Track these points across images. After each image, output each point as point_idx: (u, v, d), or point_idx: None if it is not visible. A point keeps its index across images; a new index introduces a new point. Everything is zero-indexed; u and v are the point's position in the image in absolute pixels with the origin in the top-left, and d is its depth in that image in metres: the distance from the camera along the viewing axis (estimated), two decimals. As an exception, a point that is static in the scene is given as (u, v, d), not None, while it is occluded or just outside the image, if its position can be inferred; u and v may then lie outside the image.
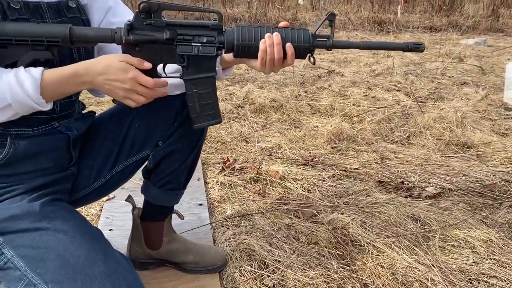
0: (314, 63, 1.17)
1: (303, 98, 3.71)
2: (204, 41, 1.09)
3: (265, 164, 2.30)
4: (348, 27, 9.74)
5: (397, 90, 3.96)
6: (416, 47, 1.17)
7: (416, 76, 4.43)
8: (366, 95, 3.78)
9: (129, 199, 1.47)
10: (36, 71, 0.96)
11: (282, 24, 1.14)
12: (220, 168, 2.30)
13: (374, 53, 5.99)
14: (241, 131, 2.95)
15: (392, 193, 2.07)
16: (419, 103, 3.40)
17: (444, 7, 10.98)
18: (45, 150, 1.11)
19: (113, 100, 1.09)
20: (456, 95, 3.81)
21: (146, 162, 1.36)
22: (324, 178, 2.17)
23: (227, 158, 2.38)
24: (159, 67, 1.10)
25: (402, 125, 3.05)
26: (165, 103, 1.23)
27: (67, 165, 1.19)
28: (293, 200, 1.96)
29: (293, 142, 2.70)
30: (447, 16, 10.60)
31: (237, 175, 2.23)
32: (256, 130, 2.99)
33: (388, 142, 2.76)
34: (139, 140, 1.28)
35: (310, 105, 3.50)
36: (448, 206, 1.92)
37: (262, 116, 3.29)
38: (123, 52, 1.06)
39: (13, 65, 0.98)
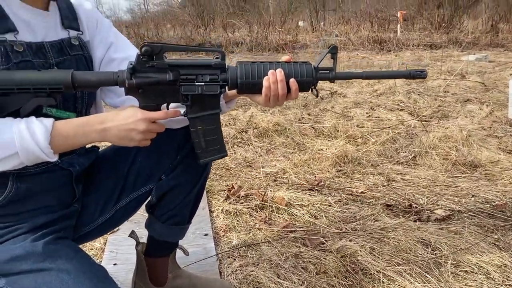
0: (317, 96, 1.18)
1: (306, 120, 3.70)
2: (208, 80, 1.08)
3: (270, 191, 2.28)
4: (348, 47, 9.81)
5: (401, 110, 3.95)
6: (419, 74, 1.16)
7: (419, 94, 4.43)
8: (370, 115, 3.76)
9: (133, 234, 1.45)
10: (48, 121, 0.95)
11: (284, 58, 1.14)
12: (225, 196, 2.28)
13: (376, 73, 6.02)
14: (246, 157, 2.93)
15: (401, 217, 2.03)
16: (423, 122, 3.38)
17: (444, 24, 11.07)
18: (48, 188, 1.09)
19: None
20: (460, 113, 3.79)
21: (151, 197, 1.35)
22: (331, 203, 2.14)
23: (232, 185, 2.36)
24: (163, 106, 1.09)
25: (407, 145, 3.03)
26: (167, 137, 1.20)
27: (71, 202, 1.17)
28: (300, 228, 1.92)
29: (298, 166, 2.67)
30: (446, 33, 10.68)
31: (242, 203, 2.20)
32: (261, 155, 2.98)
33: (394, 164, 2.73)
34: (142, 175, 1.27)
35: (313, 128, 3.49)
36: (459, 229, 1.88)
37: (266, 140, 3.28)
38: (126, 93, 1.05)
39: (15, 112, 0.98)
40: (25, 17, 1.03)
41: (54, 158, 0.97)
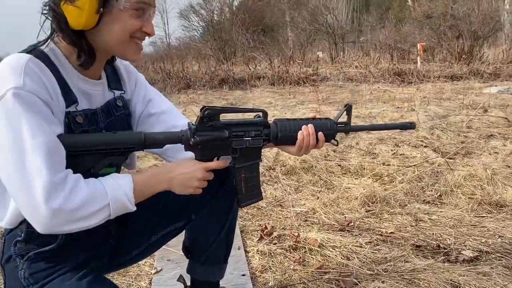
0: (337, 145, 1.42)
1: (332, 158, 3.82)
2: (253, 135, 1.28)
3: (302, 231, 2.39)
4: (369, 79, 9.95)
5: (425, 146, 4.03)
6: (408, 126, 1.48)
7: (442, 130, 4.51)
8: (394, 152, 3.86)
9: (180, 279, 1.57)
10: (127, 175, 1.10)
11: (311, 115, 1.38)
12: (259, 236, 2.39)
13: (398, 107, 6.12)
14: (275, 195, 3.05)
15: (430, 257, 2.11)
16: (447, 160, 3.46)
17: (464, 56, 11.14)
18: (88, 231, 1.18)
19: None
20: (484, 149, 3.85)
21: (184, 239, 1.50)
22: (362, 244, 2.23)
23: (265, 225, 2.47)
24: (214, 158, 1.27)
25: (433, 183, 3.11)
26: None
27: (107, 238, 1.30)
28: (333, 269, 2.02)
29: (327, 206, 2.78)
30: (467, 64, 10.73)
31: (276, 243, 2.31)
32: (290, 193, 3.09)
33: (421, 203, 2.81)
34: (172, 213, 1.40)
35: (340, 165, 3.60)
36: (487, 271, 1.95)
37: (294, 178, 3.40)
38: (186, 149, 1.21)
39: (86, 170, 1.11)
40: (84, 88, 1.15)
41: (135, 208, 1.10)
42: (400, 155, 3.80)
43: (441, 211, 2.66)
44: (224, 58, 16.65)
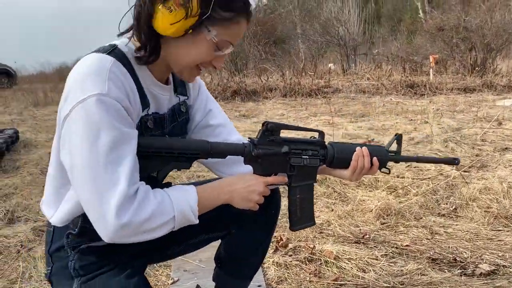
0: (389, 173, 1.41)
1: (346, 170, 3.82)
2: (311, 154, 1.29)
3: (317, 243, 2.39)
4: (381, 92, 9.95)
5: (439, 159, 4.02)
6: (453, 161, 1.53)
7: (456, 143, 4.50)
8: (409, 165, 3.85)
9: (197, 289, 1.59)
10: (191, 187, 1.11)
11: (362, 141, 1.36)
12: (274, 247, 2.41)
13: (411, 120, 6.11)
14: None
15: (446, 271, 2.10)
16: (462, 173, 3.45)
17: (477, 68, 11.09)
18: None
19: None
20: (499, 162, 3.83)
21: (219, 249, 1.51)
22: (377, 256, 2.23)
23: (280, 237, 2.49)
24: None
25: (448, 196, 3.10)
26: None
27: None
28: (349, 281, 2.03)
29: (342, 218, 2.79)
30: (480, 77, 10.68)
31: (291, 255, 2.32)
32: (304, 206, 3.10)
33: (436, 216, 2.80)
34: (216, 222, 1.39)
35: (353, 178, 3.60)
36: (504, 285, 1.94)
37: (308, 190, 3.40)
38: (246, 163, 1.23)
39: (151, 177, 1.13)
40: (154, 92, 1.16)
41: (197, 221, 1.11)
42: (414, 167, 3.79)
43: (456, 224, 2.65)
44: (236, 70, 16.74)
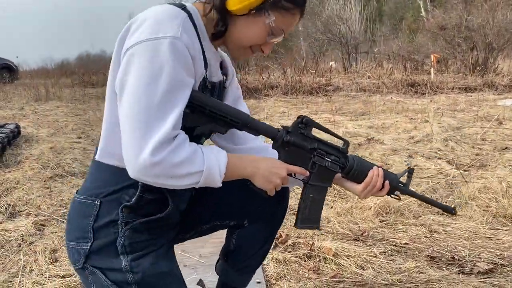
0: (399, 199, 1.47)
1: (345, 168, 3.83)
2: (333, 158, 1.33)
3: (316, 240, 2.41)
4: (382, 90, 9.95)
5: (439, 158, 4.03)
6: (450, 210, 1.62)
7: (456, 142, 4.51)
8: (408, 163, 3.86)
9: (200, 283, 1.60)
10: (224, 152, 1.14)
11: (379, 164, 1.43)
12: (274, 244, 2.42)
13: (412, 118, 6.12)
14: (290, 204, 3.06)
15: (444, 269, 2.12)
16: (461, 172, 3.46)
17: (478, 67, 11.09)
18: (178, 207, 1.26)
19: (253, 185, 1.23)
20: (499, 162, 3.84)
21: (228, 243, 1.51)
22: (376, 254, 2.25)
23: (280, 233, 2.50)
24: None
25: (447, 195, 3.11)
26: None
27: (181, 217, 1.32)
28: (347, 278, 2.04)
29: (341, 215, 2.80)
30: (481, 76, 10.68)
31: (290, 251, 2.33)
32: (303, 203, 3.11)
33: (435, 214, 2.82)
34: (230, 210, 1.43)
35: (353, 176, 3.61)
36: (502, 283, 1.95)
37: (308, 188, 3.42)
38: (274, 147, 1.28)
39: (190, 128, 1.15)
40: (209, 56, 1.20)
41: (221, 184, 1.13)
42: (414, 166, 3.80)
43: (455, 223, 2.66)
44: (238, 67, 16.75)
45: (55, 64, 23.54)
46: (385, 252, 2.28)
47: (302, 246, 2.35)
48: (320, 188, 1.34)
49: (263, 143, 1.46)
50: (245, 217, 1.44)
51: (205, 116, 1.16)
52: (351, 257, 2.20)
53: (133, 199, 1.14)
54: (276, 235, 2.46)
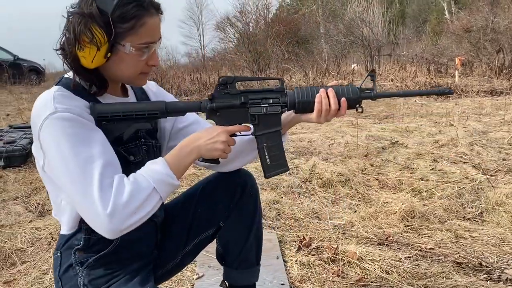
0: (362, 112, 1.37)
1: (369, 171, 3.81)
2: (271, 102, 1.32)
3: (340, 243, 2.41)
4: (405, 93, 9.81)
5: (464, 162, 3.97)
6: (447, 91, 1.38)
7: (482, 146, 4.43)
8: (433, 168, 3.82)
9: (222, 284, 1.62)
10: (159, 158, 1.19)
11: (332, 83, 1.37)
12: (297, 247, 2.43)
13: (436, 122, 6.04)
14: (312, 208, 3.08)
15: (471, 275, 2.09)
16: (488, 177, 3.40)
17: (504, 70, 10.86)
18: (140, 237, 1.31)
19: (205, 160, 1.29)
20: (527, 167, 3.76)
21: (216, 247, 1.57)
22: (401, 258, 2.23)
23: (303, 237, 2.51)
24: None
25: (473, 200, 3.07)
26: (220, 188, 1.46)
27: (153, 249, 1.40)
28: (372, 282, 2.04)
29: (365, 219, 2.79)
30: (508, 79, 10.45)
31: (314, 254, 2.34)
32: (327, 206, 3.12)
33: (461, 219, 2.78)
34: (202, 222, 1.48)
35: (377, 179, 3.59)
36: (532, 291, 1.92)
37: (331, 191, 3.42)
38: (207, 117, 1.32)
39: (119, 137, 1.23)
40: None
41: (179, 182, 1.18)
42: (439, 170, 3.76)
43: (482, 229, 2.62)
44: (258, 70, 16.78)
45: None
46: (410, 257, 2.26)
47: (326, 249, 2.36)
48: (271, 134, 1.34)
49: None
50: (218, 220, 1.48)
51: (124, 121, 1.22)
52: (376, 261, 2.19)
53: (81, 242, 1.23)
54: (300, 238, 2.48)
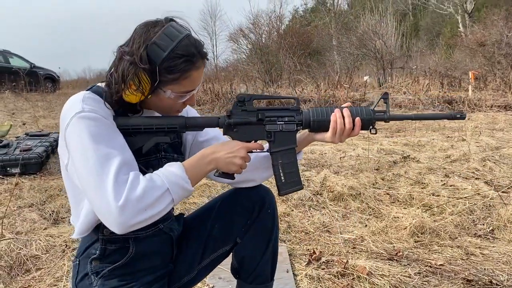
0: (375, 133, 1.41)
1: (380, 186, 3.82)
2: (286, 120, 1.36)
3: (350, 258, 2.42)
4: (418, 106, 9.81)
5: (476, 178, 3.96)
6: (459, 116, 1.41)
7: (494, 162, 4.41)
8: (444, 183, 3.81)
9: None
10: (176, 162, 1.23)
11: (346, 104, 1.41)
12: (307, 260, 2.44)
13: (449, 137, 6.02)
14: (323, 221, 3.09)
15: (481, 293, 2.09)
16: (500, 194, 3.39)
17: (519, 85, 10.78)
18: (154, 250, 1.36)
19: (220, 174, 1.32)
20: (540, 184, 3.74)
21: (231, 261, 1.59)
22: (411, 274, 2.24)
23: (313, 250, 2.52)
24: None
25: (485, 217, 3.05)
26: (238, 206, 1.49)
27: (168, 262, 1.43)
28: (382, 297, 2.04)
29: (375, 234, 2.79)
30: (522, 94, 10.36)
31: (324, 268, 2.35)
32: (337, 220, 3.13)
33: (472, 236, 2.77)
34: (220, 238, 1.50)
35: (388, 194, 3.60)
36: (542, 311, 1.91)
37: (341, 205, 3.43)
38: (224, 133, 1.36)
39: (139, 149, 1.27)
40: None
41: (193, 188, 1.22)
42: (450, 186, 3.75)
43: (493, 246, 2.61)
44: (271, 80, 16.86)
45: (94, 74, 24.34)
46: (420, 273, 2.27)
47: (336, 264, 2.37)
48: (286, 151, 1.37)
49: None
50: (235, 236, 1.51)
51: (145, 134, 1.27)
52: (385, 277, 2.20)
53: (97, 252, 1.27)
54: (310, 252, 2.50)
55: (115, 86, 1.20)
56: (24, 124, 7.71)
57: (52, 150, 4.88)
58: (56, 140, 5.21)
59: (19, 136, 5.38)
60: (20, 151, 4.38)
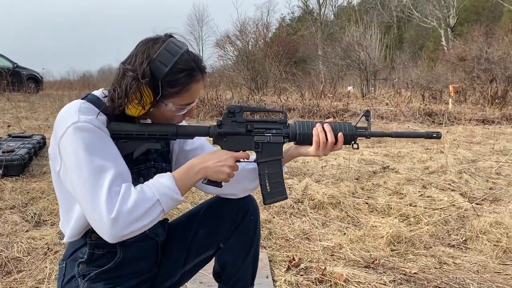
0: (357, 148, 1.50)
1: (360, 195, 3.91)
2: (274, 132, 1.44)
3: (328, 265, 2.49)
4: (399, 118, 10.00)
5: (452, 190, 4.08)
6: (435, 135, 1.49)
7: (470, 175, 4.54)
8: (422, 194, 3.93)
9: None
10: (167, 172, 1.28)
11: (328, 120, 1.49)
12: (287, 266, 2.51)
13: (428, 148, 6.17)
14: (303, 228, 3.16)
15: (452, 300, 2.18)
16: (474, 206, 3.51)
17: (497, 100, 11.08)
18: (140, 255, 1.41)
19: (208, 182, 1.37)
20: (512, 197, 3.88)
21: (214, 265, 1.65)
22: (386, 282, 2.32)
23: (293, 257, 2.59)
24: None
25: (459, 228, 3.16)
26: (222, 212, 1.55)
27: (153, 266, 1.48)
28: (357, 303, 2.12)
29: (353, 242, 2.88)
30: (499, 109, 10.66)
31: (303, 275, 2.42)
32: (317, 227, 3.20)
33: (445, 246, 2.87)
34: (203, 244, 1.56)
35: (367, 203, 3.69)
36: (508, 318, 2.00)
37: (322, 213, 3.51)
38: (214, 142, 1.42)
39: (130, 154, 1.32)
40: None
41: (182, 198, 1.27)
42: (427, 197, 3.86)
43: (465, 256, 2.72)
44: (256, 88, 16.99)
45: (77, 76, 24.16)
46: (394, 281, 2.35)
47: (314, 270, 2.44)
48: (272, 162, 1.44)
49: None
50: (219, 241, 1.57)
51: (137, 140, 1.32)
52: (362, 284, 2.28)
53: (85, 256, 1.32)
54: (289, 258, 2.56)
55: (118, 101, 1.25)
56: (9, 126, 7.63)
57: (35, 152, 4.87)
58: (39, 142, 5.20)
59: (1, 137, 5.35)
60: (3, 152, 4.36)
